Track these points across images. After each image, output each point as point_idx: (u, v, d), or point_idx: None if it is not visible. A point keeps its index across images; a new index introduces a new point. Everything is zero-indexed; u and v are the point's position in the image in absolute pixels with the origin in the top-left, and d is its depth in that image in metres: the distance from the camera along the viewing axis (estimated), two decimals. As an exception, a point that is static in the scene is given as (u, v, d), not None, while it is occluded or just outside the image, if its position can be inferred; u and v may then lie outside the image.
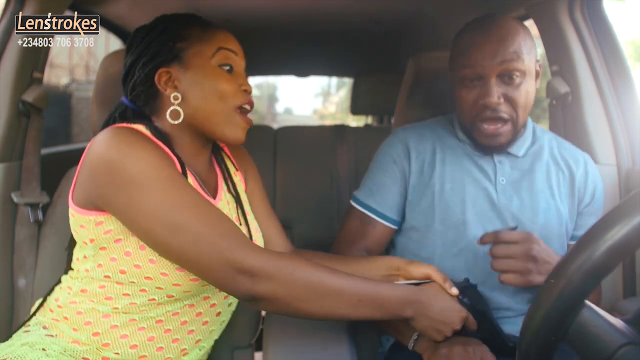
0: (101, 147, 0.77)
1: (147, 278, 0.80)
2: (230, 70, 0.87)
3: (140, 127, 0.84)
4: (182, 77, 0.85)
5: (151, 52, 0.85)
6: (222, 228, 0.76)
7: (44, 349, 0.80)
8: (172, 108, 0.85)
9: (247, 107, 0.87)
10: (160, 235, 0.75)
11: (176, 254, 0.77)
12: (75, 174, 0.83)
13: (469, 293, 0.86)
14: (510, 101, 0.93)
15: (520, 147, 1.02)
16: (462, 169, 1.01)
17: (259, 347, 1.02)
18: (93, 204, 0.79)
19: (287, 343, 0.88)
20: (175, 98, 0.84)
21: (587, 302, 0.47)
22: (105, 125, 0.89)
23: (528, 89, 0.95)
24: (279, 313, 0.83)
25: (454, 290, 0.85)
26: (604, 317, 0.46)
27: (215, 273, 0.75)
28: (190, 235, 0.74)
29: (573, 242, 1.01)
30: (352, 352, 0.90)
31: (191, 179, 0.86)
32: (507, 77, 0.92)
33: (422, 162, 1.03)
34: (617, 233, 0.43)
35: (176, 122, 0.85)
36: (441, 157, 1.02)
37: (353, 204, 1.08)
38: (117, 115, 0.89)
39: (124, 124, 0.84)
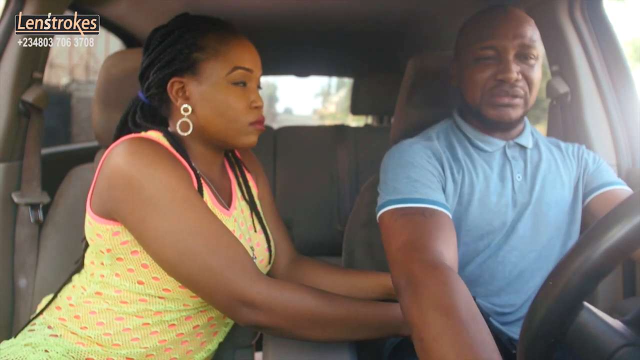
0: (120, 161, 0.77)
1: (165, 290, 0.81)
2: (243, 86, 0.86)
3: (158, 136, 0.85)
4: (194, 90, 0.84)
5: (166, 59, 0.84)
6: (230, 256, 0.77)
7: (46, 351, 0.80)
8: (181, 120, 0.85)
9: (258, 126, 0.87)
10: (170, 258, 0.76)
11: (183, 278, 0.78)
12: (93, 182, 0.83)
13: None
14: (527, 79, 0.95)
15: (527, 138, 1.02)
16: (485, 175, 0.97)
17: (259, 347, 1.02)
18: (109, 215, 0.80)
19: (287, 343, 0.88)
20: (185, 110, 0.85)
21: (586, 303, 0.47)
22: (123, 122, 0.91)
23: (540, 74, 0.97)
24: (282, 337, 0.85)
25: None
26: (602, 319, 0.46)
27: (219, 301, 0.78)
28: (199, 262, 0.76)
29: (593, 195, 1.00)
30: (353, 353, 0.90)
31: (207, 192, 0.86)
32: (523, 56, 0.94)
33: (450, 168, 0.97)
34: (617, 234, 0.43)
35: (185, 134, 0.86)
36: (464, 164, 0.98)
37: (397, 205, 0.85)
38: (139, 110, 0.89)
39: (142, 134, 0.84)
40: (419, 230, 0.79)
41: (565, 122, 1.24)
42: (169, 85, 0.85)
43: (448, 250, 0.77)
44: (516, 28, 0.94)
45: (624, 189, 0.99)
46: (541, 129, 1.27)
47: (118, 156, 0.78)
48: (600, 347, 0.45)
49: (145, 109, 0.90)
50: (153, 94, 0.87)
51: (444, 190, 0.93)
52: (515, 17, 0.96)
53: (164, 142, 0.84)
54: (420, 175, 0.90)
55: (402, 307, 0.68)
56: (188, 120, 0.85)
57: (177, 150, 0.84)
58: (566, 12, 1.20)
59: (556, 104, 1.25)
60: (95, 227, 0.81)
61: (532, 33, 0.95)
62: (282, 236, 1.03)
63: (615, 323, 0.47)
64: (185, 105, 0.84)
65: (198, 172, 0.86)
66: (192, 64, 0.84)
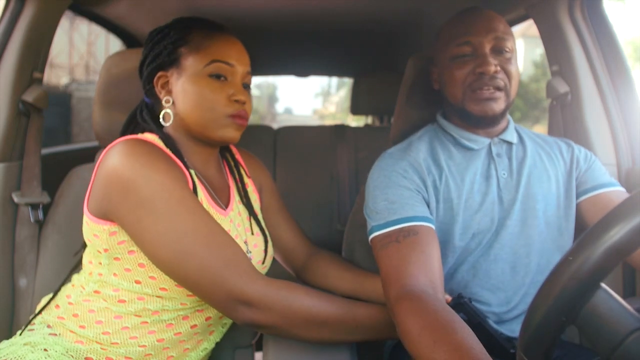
0: (115, 163, 0.78)
1: (162, 289, 0.82)
2: (224, 79, 0.87)
3: (153, 138, 0.86)
4: (175, 82, 0.87)
5: (153, 54, 0.88)
6: (227, 256, 0.78)
7: (45, 350, 0.80)
8: (164, 111, 0.88)
9: (238, 120, 0.87)
10: (166, 258, 0.77)
11: (180, 277, 0.78)
12: (90, 183, 0.84)
13: (463, 308, 0.87)
14: (506, 71, 0.96)
15: (512, 134, 1.03)
16: (469, 176, 0.98)
17: (259, 347, 1.02)
18: (106, 215, 0.80)
19: (287, 343, 0.88)
20: (167, 101, 0.88)
21: (603, 284, 0.46)
22: (127, 123, 0.94)
23: (517, 67, 0.99)
24: (279, 336, 0.85)
25: (446, 297, 0.87)
26: (619, 301, 0.46)
27: (216, 300, 0.78)
28: (196, 262, 0.76)
29: (586, 196, 1.00)
30: (353, 353, 0.90)
31: (202, 192, 0.87)
32: (499, 50, 0.97)
33: (432, 177, 0.98)
34: None
35: (167, 125, 0.88)
36: (447, 170, 0.99)
37: (377, 233, 0.90)
38: (144, 107, 0.92)
39: (137, 136, 0.85)
40: (392, 262, 0.85)
41: (565, 122, 1.24)
42: (155, 79, 0.88)
43: (422, 269, 0.82)
44: (489, 23, 0.97)
45: (617, 191, 0.99)
46: (541, 129, 1.26)
47: (114, 158, 0.78)
48: (614, 329, 0.44)
49: (149, 107, 0.93)
50: (147, 90, 0.91)
51: (427, 200, 0.96)
52: (488, 15, 0.99)
53: (160, 143, 0.86)
54: (397, 194, 0.93)
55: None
56: (169, 111, 0.88)
57: (172, 151, 0.85)
58: (566, 12, 1.20)
59: (556, 104, 1.25)
60: (92, 228, 0.82)
61: (505, 28, 0.98)
62: (297, 234, 1.06)
63: (630, 308, 0.46)
64: (167, 97, 0.88)
65: (192, 172, 0.87)
66: (177, 58, 0.87)
